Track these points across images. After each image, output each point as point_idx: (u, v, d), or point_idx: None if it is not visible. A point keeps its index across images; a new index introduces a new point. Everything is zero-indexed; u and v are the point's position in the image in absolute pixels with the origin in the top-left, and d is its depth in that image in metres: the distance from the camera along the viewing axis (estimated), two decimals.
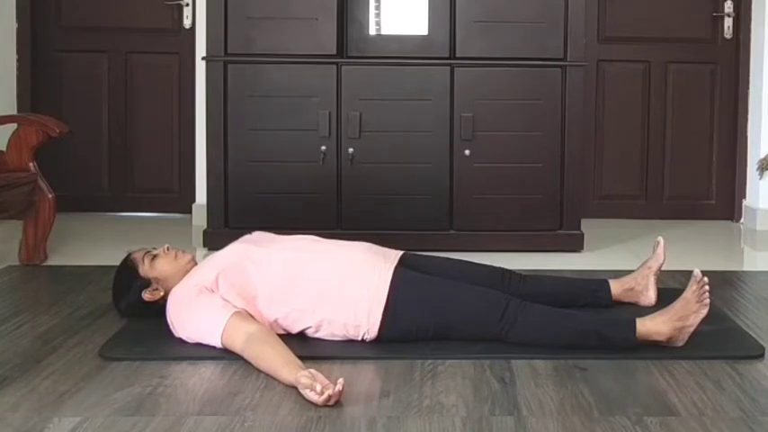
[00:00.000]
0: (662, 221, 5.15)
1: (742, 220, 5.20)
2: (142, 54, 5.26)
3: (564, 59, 4.23)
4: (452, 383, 2.51)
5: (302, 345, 2.71)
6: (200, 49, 4.55)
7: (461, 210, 4.27)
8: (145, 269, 2.91)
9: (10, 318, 3.11)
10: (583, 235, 4.31)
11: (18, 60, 5.20)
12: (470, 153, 4.23)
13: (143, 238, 4.25)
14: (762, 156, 4.97)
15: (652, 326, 2.72)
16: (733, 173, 5.24)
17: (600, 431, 2.20)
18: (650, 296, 3.20)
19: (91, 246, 4.36)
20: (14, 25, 5.19)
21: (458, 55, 4.24)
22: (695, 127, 5.29)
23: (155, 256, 2.93)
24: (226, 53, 4.20)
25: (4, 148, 3.93)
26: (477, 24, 4.23)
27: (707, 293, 2.71)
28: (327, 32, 4.20)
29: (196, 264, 2.95)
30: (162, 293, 2.89)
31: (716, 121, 5.28)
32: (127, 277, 2.95)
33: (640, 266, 3.26)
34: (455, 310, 2.78)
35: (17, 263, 3.90)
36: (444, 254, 3.22)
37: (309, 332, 2.81)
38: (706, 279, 2.71)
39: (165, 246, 2.97)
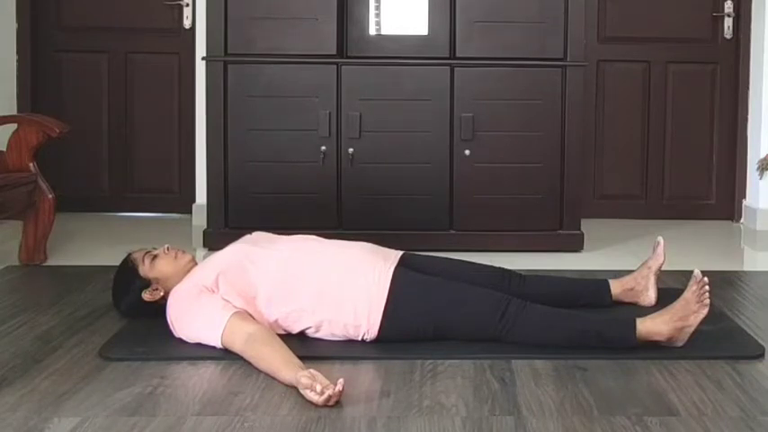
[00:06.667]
0: (662, 221, 5.15)
1: (742, 220, 5.20)
2: (142, 54, 5.26)
3: (564, 59, 4.23)
4: (452, 383, 2.51)
5: (302, 345, 2.71)
6: (201, 49, 4.54)
7: (461, 210, 4.27)
8: (145, 269, 2.91)
9: (10, 318, 3.11)
10: (583, 235, 4.31)
11: (18, 60, 5.20)
12: (470, 153, 4.23)
13: (143, 238, 4.24)
14: (762, 156, 4.97)
15: (652, 326, 2.72)
16: (733, 173, 5.24)
17: (600, 431, 2.20)
18: (650, 296, 3.20)
19: (91, 246, 4.36)
20: (14, 25, 5.19)
21: (458, 55, 4.24)
22: (695, 127, 5.29)
23: (155, 257, 2.93)
24: (226, 53, 4.20)
25: (4, 148, 3.93)
26: (477, 24, 4.23)
27: (707, 294, 2.71)
28: (327, 32, 4.20)
29: (196, 264, 2.95)
30: (162, 294, 2.89)
31: (716, 121, 5.28)
32: (127, 277, 2.95)
33: (640, 266, 3.26)
34: (455, 311, 2.78)
35: (17, 263, 3.90)
36: (444, 254, 3.22)
37: (309, 332, 2.81)
38: (706, 279, 2.71)
39: (165, 246, 2.98)
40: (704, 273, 2.74)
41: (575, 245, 4.30)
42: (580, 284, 3.23)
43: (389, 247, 3.05)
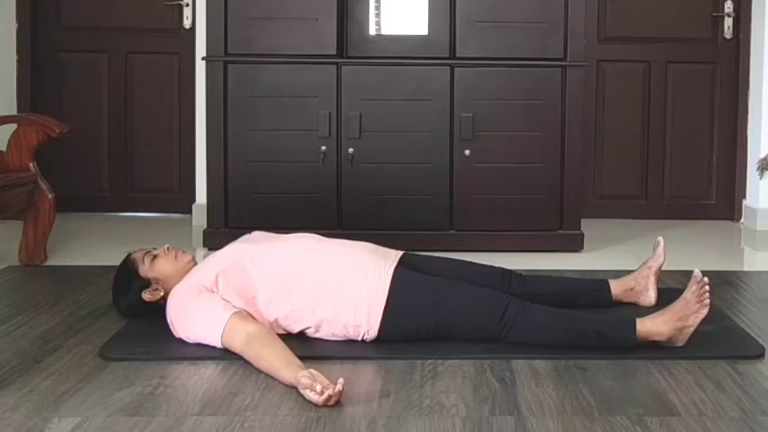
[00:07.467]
0: (662, 221, 5.15)
1: (742, 220, 5.20)
2: (142, 54, 5.26)
3: (564, 59, 4.23)
4: (452, 383, 2.51)
5: (302, 345, 2.71)
6: (201, 49, 4.55)
7: (461, 210, 4.27)
8: (145, 269, 2.91)
9: (10, 318, 3.11)
10: (583, 235, 4.31)
11: (18, 60, 5.20)
12: (470, 153, 4.23)
13: (143, 238, 4.25)
14: (762, 156, 4.97)
15: (652, 326, 2.72)
16: (733, 173, 5.24)
17: (600, 431, 2.21)
18: (650, 296, 3.20)
19: (91, 246, 4.36)
20: (14, 25, 5.19)
21: (458, 55, 4.24)
22: (695, 127, 5.29)
23: (155, 257, 2.93)
24: (226, 53, 4.20)
25: (4, 148, 3.93)
26: (477, 24, 4.23)
27: (707, 294, 2.71)
28: (327, 32, 4.20)
29: (196, 264, 2.95)
30: (162, 294, 2.88)
31: (716, 121, 5.28)
32: (127, 277, 2.95)
33: (640, 266, 3.26)
34: (455, 311, 2.78)
35: (17, 263, 3.90)
36: (444, 254, 3.22)
37: (309, 332, 2.81)
38: (706, 279, 2.71)
39: (166, 246, 2.97)
40: (704, 273, 2.75)
41: (575, 245, 4.30)
42: (580, 284, 3.23)
43: (389, 247, 3.05)
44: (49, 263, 3.95)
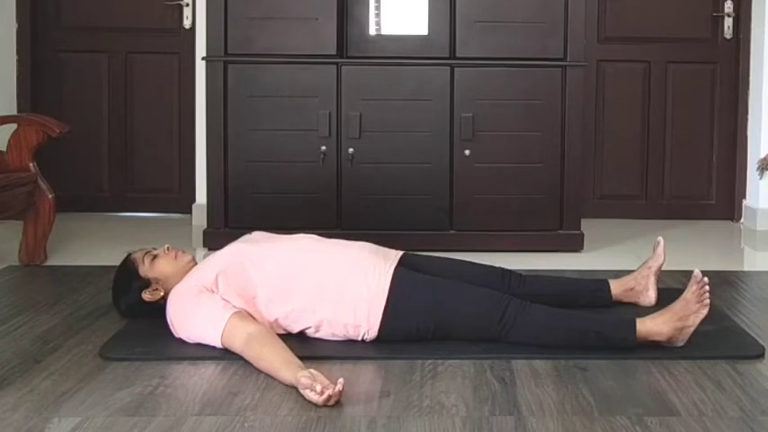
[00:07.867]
0: (662, 221, 5.15)
1: (742, 220, 5.20)
2: (142, 54, 5.26)
3: (564, 59, 4.23)
4: (452, 383, 2.51)
5: (302, 345, 2.71)
6: (201, 49, 4.55)
7: (461, 210, 4.27)
8: (145, 269, 2.91)
9: (10, 318, 3.11)
10: (583, 235, 4.31)
11: (18, 60, 5.20)
12: (470, 153, 4.23)
13: (143, 238, 4.25)
14: (762, 156, 4.97)
15: (652, 326, 2.72)
16: (733, 173, 5.24)
17: (600, 431, 2.21)
18: (650, 296, 3.20)
19: (91, 246, 4.36)
20: (14, 25, 5.19)
21: (458, 55, 4.24)
22: (695, 127, 5.29)
23: (155, 257, 2.93)
24: (226, 53, 4.20)
25: (4, 148, 3.93)
26: (477, 24, 4.23)
27: (707, 294, 2.71)
28: (327, 32, 4.20)
29: (196, 264, 2.95)
30: (162, 294, 2.88)
31: (716, 121, 5.28)
32: (127, 277, 2.95)
33: (640, 266, 3.26)
34: (455, 311, 2.78)
35: (17, 263, 3.90)
36: (444, 254, 3.22)
37: (309, 332, 2.81)
38: (706, 279, 2.71)
39: (166, 246, 2.97)
40: (704, 273, 2.75)
41: (575, 245, 4.30)
42: (580, 284, 3.23)
43: (389, 247, 3.05)
44: (49, 263, 3.95)
